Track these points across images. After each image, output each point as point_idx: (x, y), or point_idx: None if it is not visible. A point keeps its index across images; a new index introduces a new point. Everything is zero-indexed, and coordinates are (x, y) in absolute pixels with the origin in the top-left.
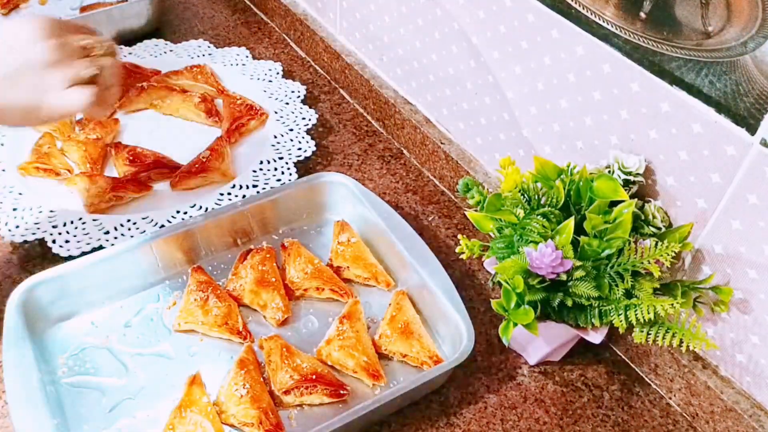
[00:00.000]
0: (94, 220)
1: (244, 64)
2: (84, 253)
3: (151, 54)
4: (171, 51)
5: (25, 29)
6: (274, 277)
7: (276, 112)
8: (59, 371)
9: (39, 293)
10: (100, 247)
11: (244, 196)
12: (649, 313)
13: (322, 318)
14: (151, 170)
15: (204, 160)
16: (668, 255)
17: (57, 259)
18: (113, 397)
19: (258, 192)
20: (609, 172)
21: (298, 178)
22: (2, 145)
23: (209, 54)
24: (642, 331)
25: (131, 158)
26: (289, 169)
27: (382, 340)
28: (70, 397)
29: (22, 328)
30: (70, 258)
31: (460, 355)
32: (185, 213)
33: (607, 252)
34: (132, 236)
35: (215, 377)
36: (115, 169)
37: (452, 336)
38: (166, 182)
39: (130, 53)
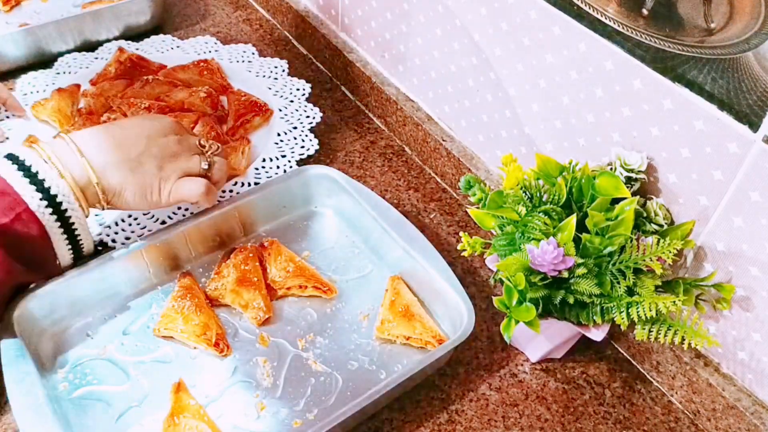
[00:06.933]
0: (96, 215)
1: (250, 61)
2: (74, 263)
3: (157, 50)
4: (178, 47)
5: (155, 124)
6: (256, 276)
7: (280, 110)
8: (60, 386)
9: (31, 309)
10: (101, 241)
11: None
12: (651, 311)
13: (305, 317)
14: None
15: None
16: (670, 252)
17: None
18: (119, 406)
19: None
20: (611, 169)
21: None
22: (8, 138)
23: (216, 51)
24: (644, 329)
25: None
26: (291, 167)
27: (384, 326)
28: (76, 411)
29: (20, 346)
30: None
31: (463, 333)
32: (186, 209)
33: (608, 249)
34: (133, 231)
35: (216, 379)
36: None
37: (451, 315)
38: None
39: (137, 49)
